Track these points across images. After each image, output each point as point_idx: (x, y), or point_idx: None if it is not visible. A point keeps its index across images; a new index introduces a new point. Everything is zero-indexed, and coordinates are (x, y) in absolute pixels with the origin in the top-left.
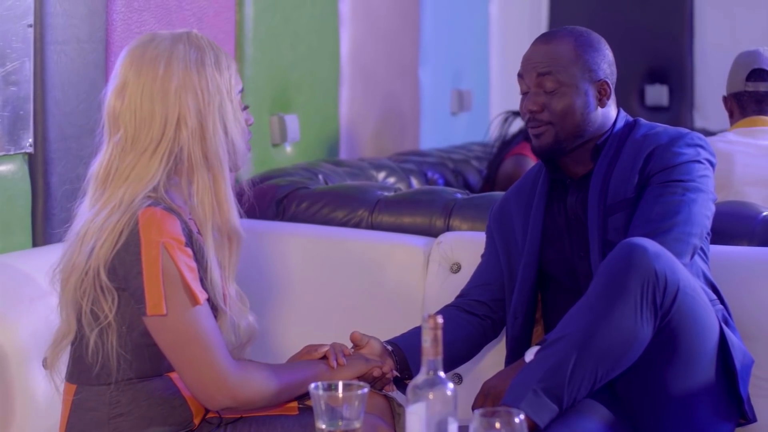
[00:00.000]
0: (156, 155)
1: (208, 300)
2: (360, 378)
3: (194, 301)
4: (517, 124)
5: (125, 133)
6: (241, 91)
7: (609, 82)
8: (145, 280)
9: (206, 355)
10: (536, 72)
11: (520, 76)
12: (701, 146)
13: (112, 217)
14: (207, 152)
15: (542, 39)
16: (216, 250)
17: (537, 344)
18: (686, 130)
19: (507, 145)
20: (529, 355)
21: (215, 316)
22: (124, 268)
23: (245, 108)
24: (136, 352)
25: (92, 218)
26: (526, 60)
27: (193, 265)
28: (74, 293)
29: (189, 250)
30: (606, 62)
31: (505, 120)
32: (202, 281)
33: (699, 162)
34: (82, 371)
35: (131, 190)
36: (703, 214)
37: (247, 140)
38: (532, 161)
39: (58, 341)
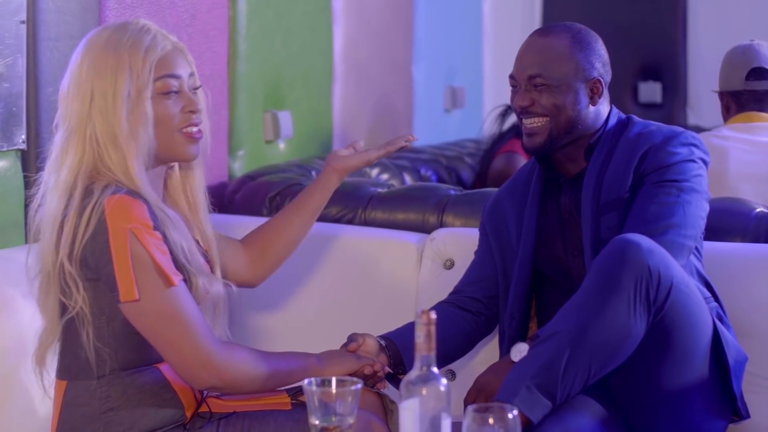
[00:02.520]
0: (78, 136)
1: (184, 280)
2: (351, 375)
3: (168, 282)
4: (513, 119)
5: (60, 120)
6: (171, 76)
7: (602, 80)
8: (116, 267)
9: (187, 335)
10: (527, 74)
11: (512, 76)
12: (695, 145)
13: (67, 209)
14: (113, 130)
15: (538, 34)
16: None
17: (524, 341)
18: (680, 129)
19: (498, 141)
20: (515, 352)
21: (188, 279)
22: (95, 258)
23: (175, 91)
24: (120, 342)
25: (52, 211)
26: (520, 58)
27: (164, 248)
28: (49, 289)
29: (158, 233)
30: (600, 61)
31: (502, 114)
32: (176, 261)
33: (693, 161)
34: (69, 367)
35: (70, 175)
36: (698, 215)
37: (174, 127)
38: (522, 158)
39: (44, 341)
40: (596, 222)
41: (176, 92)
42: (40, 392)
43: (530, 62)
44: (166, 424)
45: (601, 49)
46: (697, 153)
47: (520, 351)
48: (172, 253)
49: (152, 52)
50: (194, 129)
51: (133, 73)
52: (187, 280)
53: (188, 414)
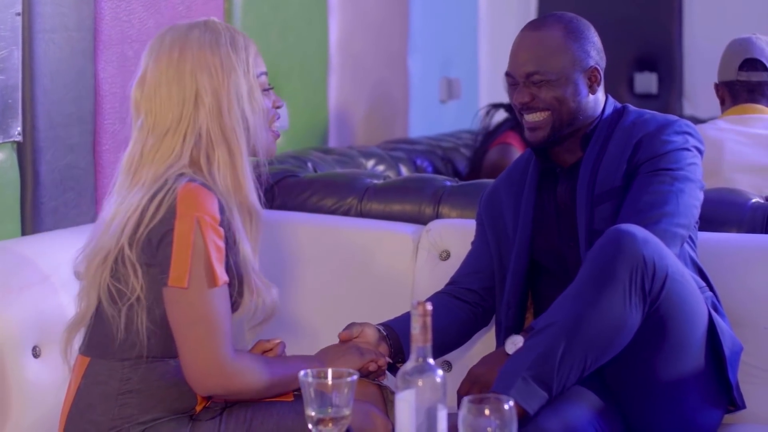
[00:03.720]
0: (177, 135)
1: (229, 284)
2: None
3: (214, 281)
4: (500, 116)
5: (146, 119)
6: (264, 74)
7: (599, 68)
8: (174, 251)
9: (210, 338)
10: (525, 72)
11: (507, 74)
12: (689, 133)
13: (141, 197)
14: (224, 129)
15: (531, 27)
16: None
17: (519, 332)
18: (674, 117)
19: (492, 134)
20: (509, 344)
21: (242, 293)
22: (158, 238)
23: (269, 89)
24: (153, 331)
25: (120, 202)
26: (514, 54)
27: (222, 245)
28: (99, 273)
29: (221, 230)
30: (595, 49)
31: (487, 113)
32: (227, 263)
33: (687, 150)
34: (97, 345)
35: (154, 171)
36: (692, 204)
37: (268, 123)
38: (517, 150)
39: (77, 323)
40: (591, 212)
41: (268, 89)
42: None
43: (526, 59)
44: (176, 412)
45: (594, 37)
46: (692, 141)
47: (514, 343)
48: (239, 267)
49: (251, 49)
50: (278, 126)
51: (243, 71)
52: (235, 289)
53: (199, 407)
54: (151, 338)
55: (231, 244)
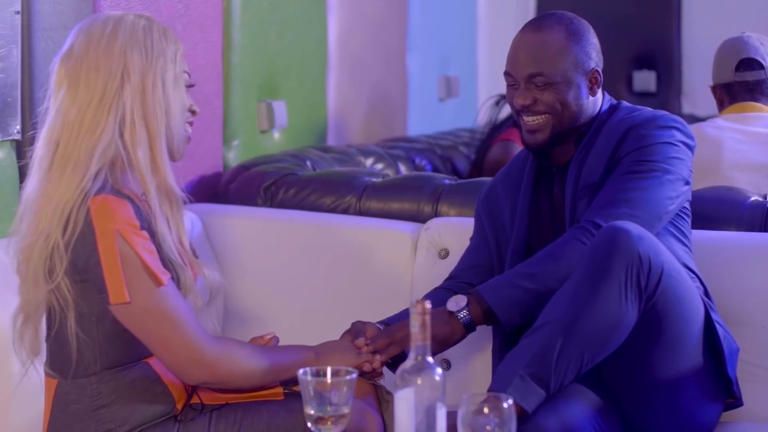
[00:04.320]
0: (101, 108)
1: (171, 278)
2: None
3: (158, 282)
4: (508, 108)
5: (68, 89)
6: (187, 73)
7: (599, 70)
8: (104, 270)
9: (178, 333)
10: (527, 73)
11: (506, 74)
12: (676, 128)
13: (57, 205)
14: (146, 111)
15: (531, 29)
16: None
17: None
18: (662, 113)
19: (496, 130)
20: (451, 302)
21: (177, 277)
22: (83, 260)
23: (190, 85)
24: (110, 340)
25: (41, 182)
26: (515, 55)
27: (152, 247)
28: (35, 278)
29: (145, 233)
30: (595, 50)
31: (497, 103)
32: (162, 259)
33: (671, 144)
34: (60, 365)
35: (86, 143)
36: (665, 195)
37: (185, 122)
38: (519, 147)
39: (22, 331)
40: (574, 208)
41: (190, 85)
42: (31, 385)
43: (528, 60)
44: (157, 417)
45: (593, 38)
46: (678, 136)
47: (456, 301)
48: (160, 249)
49: (180, 46)
50: (190, 127)
51: (171, 59)
52: (174, 277)
53: (179, 406)
54: (109, 349)
55: (155, 237)
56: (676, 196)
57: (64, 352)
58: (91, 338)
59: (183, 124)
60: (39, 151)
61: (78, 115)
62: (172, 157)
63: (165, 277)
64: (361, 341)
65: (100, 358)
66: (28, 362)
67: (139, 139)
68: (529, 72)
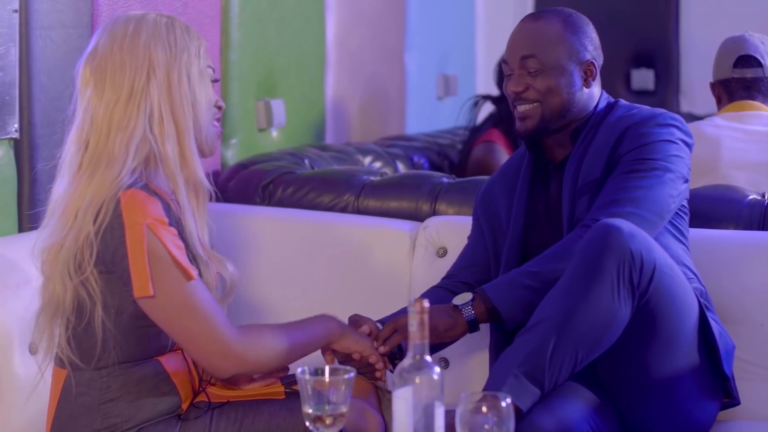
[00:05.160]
0: (131, 103)
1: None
2: (359, 359)
3: (188, 276)
4: (487, 109)
5: (95, 88)
6: (212, 68)
7: (595, 63)
8: (131, 263)
9: (207, 327)
10: (520, 55)
11: (504, 62)
12: (675, 126)
13: (98, 185)
14: (173, 105)
15: (529, 18)
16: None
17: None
18: (660, 110)
19: (476, 132)
20: (458, 299)
21: (200, 272)
22: (110, 252)
23: (216, 80)
24: (125, 335)
25: (77, 187)
26: (511, 42)
27: (180, 243)
28: (63, 273)
29: (173, 229)
30: (592, 44)
31: (475, 104)
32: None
33: (671, 142)
34: (72, 356)
35: (119, 139)
36: (666, 193)
37: (212, 116)
38: (501, 148)
39: (43, 326)
40: (573, 206)
41: (216, 80)
42: (34, 382)
43: (523, 44)
44: (162, 415)
45: (592, 33)
46: (677, 134)
47: (461, 298)
48: (187, 245)
49: (203, 41)
50: (218, 123)
51: (195, 53)
52: (199, 273)
53: (184, 406)
54: (123, 344)
55: (183, 233)
56: (677, 194)
57: (76, 344)
58: (107, 332)
59: (210, 119)
60: (68, 153)
61: (106, 113)
62: (203, 153)
63: (194, 271)
64: (365, 328)
65: (113, 352)
66: (47, 359)
67: (168, 134)
68: (522, 54)
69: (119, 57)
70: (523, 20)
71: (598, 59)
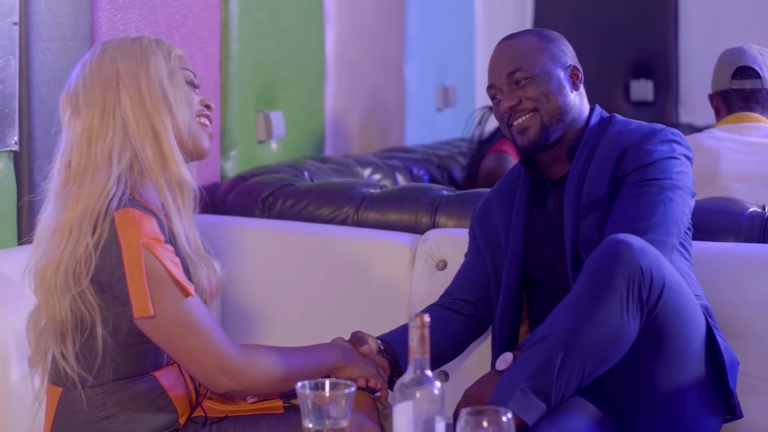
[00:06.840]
0: (105, 115)
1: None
2: (364, 386)
3: (185, 292)
4: (494, 121)
5: (72, 110)
6: (192, 72)
7: (579, 68)
8: (129, 284)
9: (206, 343)
10: (506, 72)
11: (491, 87)
12: (676, 142)
13: (87, 197)
14: (145, 107)
15: (504, 40)
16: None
17: (514, 346)
18: (660, 126)
19: (487, 142)
20: (500, 362)
21: (190, 272)
22: (107, 273)
23: (196, 86)
24: (121, 352)
25: (66, 203)
26: (493, 65)
27: (177, 260)
28: (63, 289)
29: (169, 246)
30: (570, 52)
31: (482, 117)
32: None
33: (675, 158)
34: (66, 373)
35: (100, 149)
36: (681, 211)
37: (194, 113)
38: (512, 157)
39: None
40: (577, 224)
41: (196, 86)
42: (32, 395)
43: (505, 62)
44: (159, 430)
45: (567, 44)
46: (679, 149)
47: (505, 361)
48: (176, 246)
49: (175, 49)
50: (208, 121)
51: (164, 57)
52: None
53: (182, 421)
54: (119, 360)
55: (173, 238)
56: (689, 210)
57: (89, 359)
58: (103, 349)
59: (191, 118)
60: (54, 176)
61: (84, 130)
62: (189, 153)
63: (191, 287)
64: (366, 348)
65: (108, 369)
66: (45, 376)
67: (145, 136)
68: (508, 71)
69: (89, 77)
70: (498, 44)
71: (579, 67)
